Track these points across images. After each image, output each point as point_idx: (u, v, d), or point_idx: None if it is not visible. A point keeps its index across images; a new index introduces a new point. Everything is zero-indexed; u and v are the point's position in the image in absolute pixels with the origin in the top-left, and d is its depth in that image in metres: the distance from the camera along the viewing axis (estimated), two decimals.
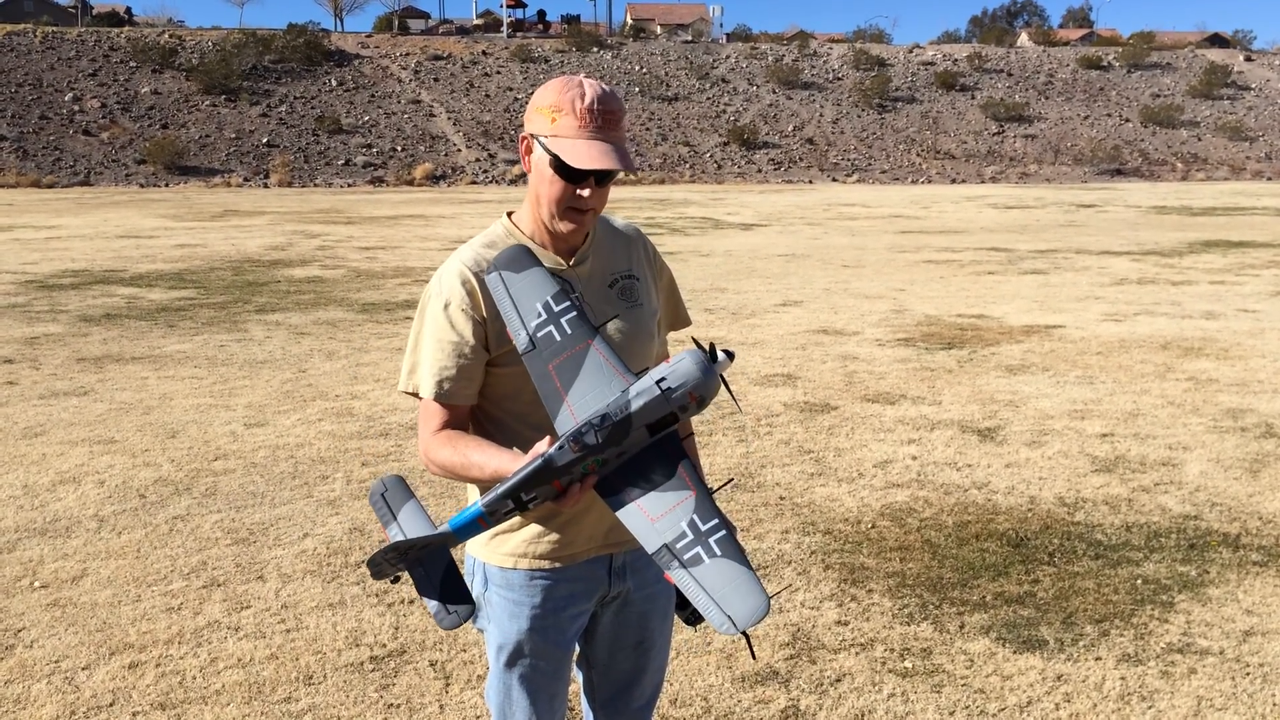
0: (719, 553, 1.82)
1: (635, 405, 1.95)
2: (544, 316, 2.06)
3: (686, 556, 1.84)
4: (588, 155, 2.10)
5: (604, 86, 2.15)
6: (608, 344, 2.06)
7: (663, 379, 1.96)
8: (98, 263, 16.55)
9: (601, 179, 2.15)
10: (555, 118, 2.13)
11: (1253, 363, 9.07)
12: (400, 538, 2.05)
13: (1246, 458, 6.37)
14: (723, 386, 2.03)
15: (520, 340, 2.07)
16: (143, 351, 9.69)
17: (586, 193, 2.15)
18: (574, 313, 2.06)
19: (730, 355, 2.03)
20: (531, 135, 2.18)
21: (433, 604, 2.01)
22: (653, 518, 1.90)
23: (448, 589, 2.00)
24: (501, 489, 1.99)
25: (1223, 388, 8.16)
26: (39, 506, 5.59)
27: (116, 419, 7.33)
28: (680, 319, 2.53)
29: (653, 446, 1.97)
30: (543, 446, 1.99)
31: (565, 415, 2.02)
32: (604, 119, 2.12)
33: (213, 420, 7.29)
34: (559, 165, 2.13)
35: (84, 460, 6.39)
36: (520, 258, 2.14)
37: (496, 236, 2.29)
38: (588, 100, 2.11)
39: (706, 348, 2.02)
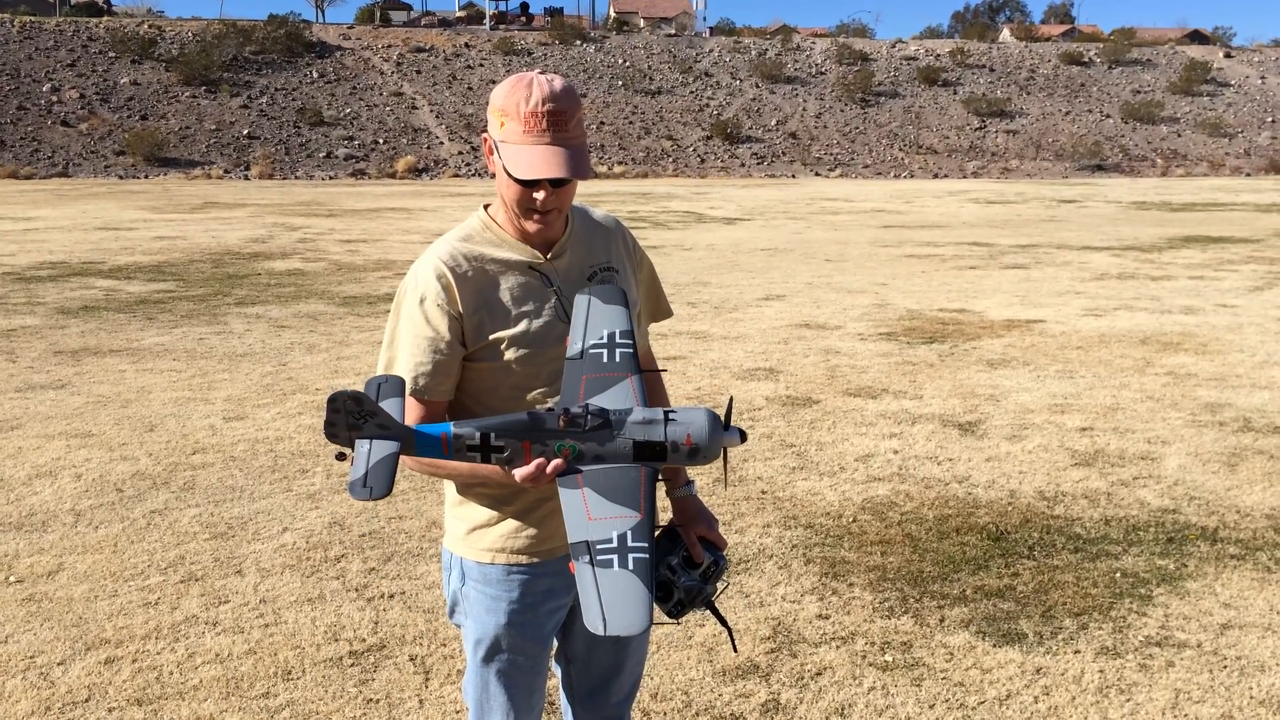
0: (630, 567, 1.85)
1: (635, 416, 1.98)
2: (604, 340, 2.15)
3: (600, 558, 1.86)
4: (529, 164, 2.07)
5: (555, 84, 2.09)
6: (643, 386, 2.11)
7: (671, 412, 2.00)
8: (76, 255, 16.41)
9: (557, 182, 2.12)
10: (504, 121, 2.10)
11: (1231, 357, 9.13)
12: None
13: (1224, 452, 6.40)
14: (722, 454, 2.04)
15: (573, 349, 2.15)
16: (121, 344, 9.61)
17: (540, 196, 2.13)
18: (630, 350, 2.14)
19: (743, 435, 2.04)
20: (490, 137, 2.17)
21: (357, 473, 1.97)
22: (591, 516, 1.92)
23: (377, 471, 1.96)
24: (478, 421, 1.99)
25: (1201, 382, 8.20)
26: (15, 500, 5.54)
27: (94, 412, 7.27)
28: (661, 310, 2.52)
29: (630, 467, 1.98)
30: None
31: None
32: (550, 120, 2.06)
33: (191, 414, 7.24)
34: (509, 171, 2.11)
35: (61, 454, 6.33)
36: (614, 295, 2.20)
37: (473, 230, 2.27)
38: (531, 104, 2.06)
39: (730, 414, 2.07)
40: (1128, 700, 3.62)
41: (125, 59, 51.63)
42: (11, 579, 4.57)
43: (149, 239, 18.96)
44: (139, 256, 16.31)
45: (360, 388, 2.05)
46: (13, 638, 4.03)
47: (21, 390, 7.89)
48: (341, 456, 2.00)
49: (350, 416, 1.96)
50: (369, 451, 1.96)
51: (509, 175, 2.11)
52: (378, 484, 1.93)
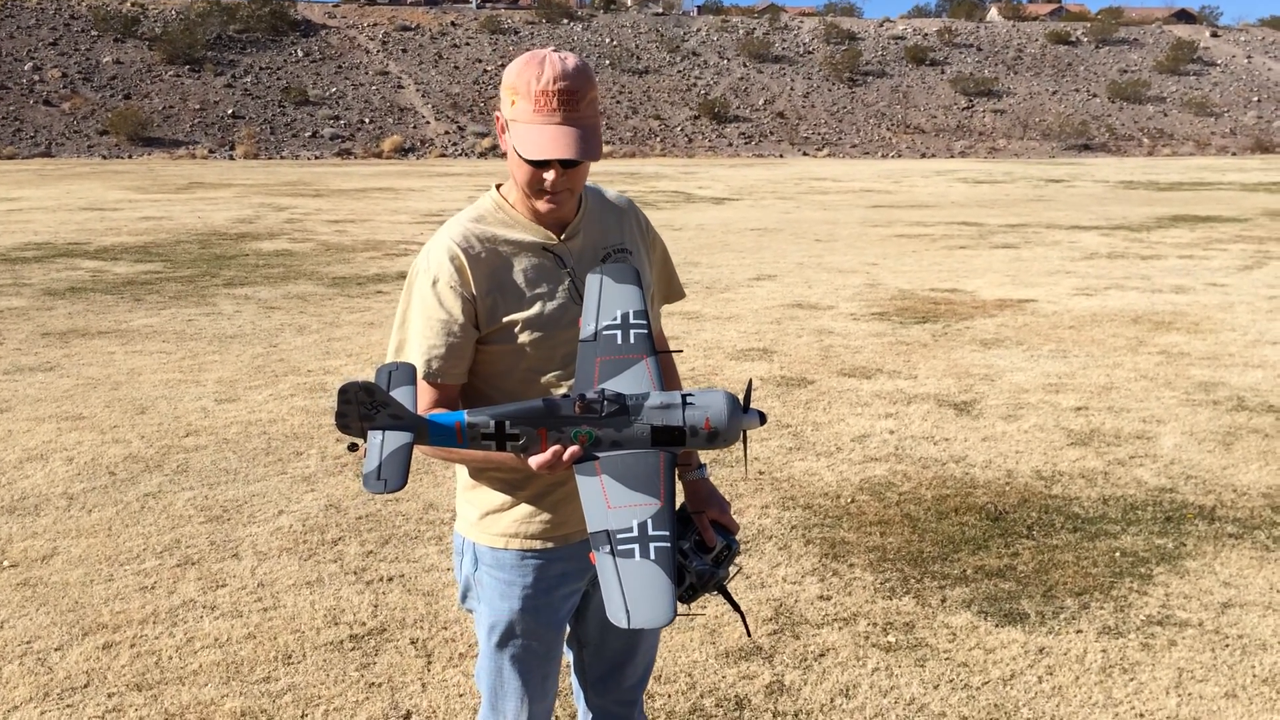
0: (652, 557, 1.82)
1: (652, 401, 1.94)
2: (617, 321, 2.11)
3: (621, 548, 1.83)
4: (538, 144, 2.02)
5: (568, 63, 2.04)
6: (659, 367, 2.08)
7: (689, 395, 1.96)
8: (61, 235, 16.26)
9: (567, 162, 2.07)
10: (514, 100, 2.06)
11: (1223, 336, 9.14)
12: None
13: (1219, 430, 6.42)
14: (741, 437, 2.00)
15: (586, 330, 2.11)
16: (109, 326, 9.53)
17: (550, 176, 2.08)
18: (644, 331, 2.10)
19: (763, 418, 2.00)
20: (501, 115, 2.12)
21: (371, 465, 1.94)
22: (610, 505, 1.89)
23: (391, 463, 1.92)
24: (492, 409, 1.95)
25: (1194, 361, 8.22)
26: (6, 484, 5.48)
27: (84, 394, 7.20)
28: (674, 291, 2.48)
29: (648, 452, 1.94)
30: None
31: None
32: (561, 99, 2.02)
33: (183, 396, 7.18)
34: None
35: (51, 437, 6.27)
36: (627, 274, 2.16)
37: (485, 210, 2.23)
38: (543, 82, 2.02)
39: (750, 396, 2.04)
40: (1131, 679, 3.62)
41: (108, 37, 51.14)
42: (5, 563, 4.53)
43: (134, 219, 18.80)
44: (125, 237, 16.17)
45: (364, 374, 2.01)
46: (8, 623, 3.99)
47: (9, 372, 7.81)
48: (354, 447, 1.96)
49: (362, 407, 1.92)
50: (382, 443, 1.92)
51: (519, 155, 2.07)
52: (392, 476, 1.89)
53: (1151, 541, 4.77)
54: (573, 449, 1.91)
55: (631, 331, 2.08)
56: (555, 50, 2.09)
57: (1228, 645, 3.85)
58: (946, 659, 3.75)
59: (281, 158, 43.81)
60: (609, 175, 32.70)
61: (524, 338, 2.15)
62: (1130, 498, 5.32)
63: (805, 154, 49.49)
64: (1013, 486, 5.48)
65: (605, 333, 2.08)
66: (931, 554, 4.63)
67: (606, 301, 2.12)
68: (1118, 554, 4.63)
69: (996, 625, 3.98)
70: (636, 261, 2.29)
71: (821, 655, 3.78)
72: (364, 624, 4.00)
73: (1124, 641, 3.87)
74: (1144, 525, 4.96)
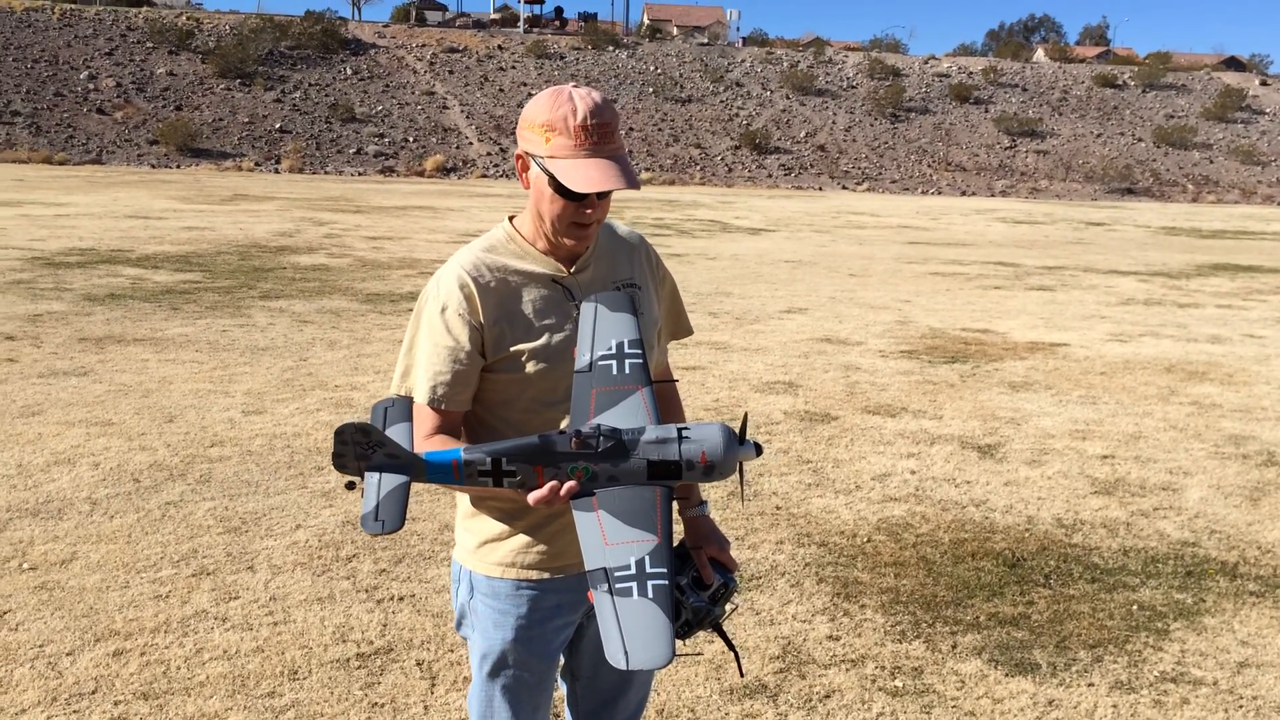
0: (650, 596, 1.82)
1: (648, 435, 1.95)
2: (612, 351, 2.11)
3: (619, 586, 1.83)
4: (586, 177, 2.04)
5: (595, 96, 2.08)
6: (654, 398, 2.08)
7: (685, 429, 1.97)
8: (105, 242, 16.53)
9: (603, 193, 2.11)
10: (549, 137, 2.07)
11: (1257, 389, 9.02)
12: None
13: (1247, 486, 6.32)
14: (738, 469, 2.00)
15: (581, 361, 2.13)
16: (145, 333, 9.67)
17: (590, 210, 2.12)
18: (640, 361, 2.11)
19: (759, 449, 2.01)
20: (527, 154, 2.13)
21: (369, 506, 1.96)
22: (607, 541, 1.89)
23: (389, 503, 1.94)
24: (488, 446, 1.97)
25: (1226, 413, 8.11)
26: (32, 487, 5.57)
27: (115, 401, 7.30)
28: (682, 328, 2.49)
29: (644, 488, 1.95)
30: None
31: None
32: (599, 134, 2.06)
33: (211, 406, 7.26)
34: (560, 187, 2.08)
35: (80, 441, 6.36)
36: (622, 303, 2.17)
37: (497, 241, 2.25)
38: (580, 117, 2.04)
39: (745, 429, 2.04)
40: None
41: (162, 49, 52.08)
42: (25, 566, 4.59)
43: (178, 229, 19.09)
44: (167, 246, 16.42)
45: (388, 391, 2.04)
46: (23, 625, 4.05)
47: (45, 376, 7.94)
48: (351, 485, 1.99)
49: (358, 447, 1.94)
50: (379, 483, 1.94)
51: (557, 191, 2.09)
52: (390, 517, 1.91)
53: (1170, 596, 4.70)
54: (569, 484, 1.93)
55: (627, 361, 2.08)
56: (574, 85, 2.11)
57: (1241, 706, 3.78)
58: (954, 706, 3.71)
59: (326, 173, 44.33)
60: (647, 203, 32.83)
61: (530, 367, 2.17)
62: (1151, 550, 5.24)
63: (845, 188, 49.43)
64: (1032, 533, 5.42)
65: (600, 363, 2.09)
66: (945, 598, 4.59)
67: (602, 331, 2.13)
68: (1135, 607, 4.56)
69: (1007, 674, 3.94)
70: (645, 297, 2.31)
71: (827, 697, 3.75)
72: (371, 643, 4.02)
73: (1136, 697, 3.81)
74: (1164, 579, 4.89)
